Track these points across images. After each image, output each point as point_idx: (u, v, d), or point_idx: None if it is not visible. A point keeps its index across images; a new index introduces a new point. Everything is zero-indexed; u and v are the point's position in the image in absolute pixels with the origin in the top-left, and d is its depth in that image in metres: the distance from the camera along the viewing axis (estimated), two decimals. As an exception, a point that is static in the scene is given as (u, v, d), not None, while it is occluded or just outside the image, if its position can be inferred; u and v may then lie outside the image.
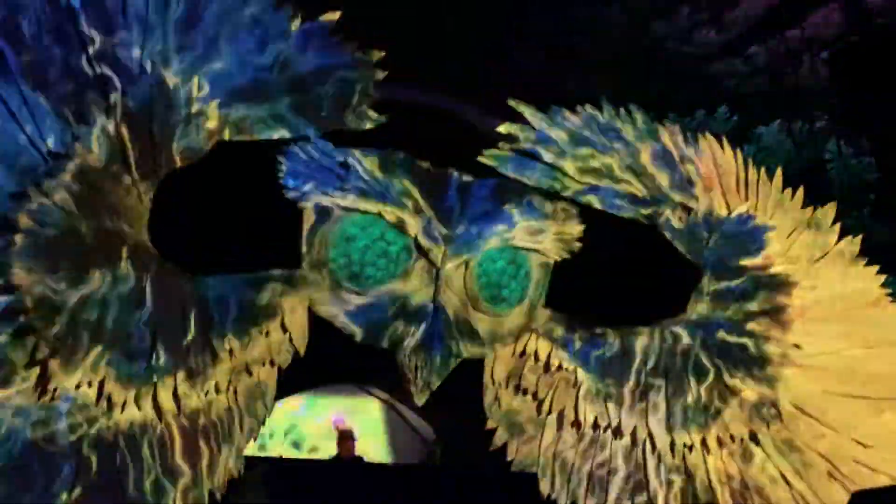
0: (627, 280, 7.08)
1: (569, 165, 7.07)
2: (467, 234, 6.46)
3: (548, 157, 6.99)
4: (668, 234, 7.34)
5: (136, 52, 5.53)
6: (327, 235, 6.21)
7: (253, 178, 6.03)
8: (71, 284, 5.11)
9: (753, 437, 7.10)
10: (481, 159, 6.81)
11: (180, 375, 5.42)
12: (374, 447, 8.99)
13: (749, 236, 7.43)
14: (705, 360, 7.13)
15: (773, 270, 7.50)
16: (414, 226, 6.31)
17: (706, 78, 16.67)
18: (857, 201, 13.35)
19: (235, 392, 5.72)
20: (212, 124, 5.78)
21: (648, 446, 6.83)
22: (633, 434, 6.81)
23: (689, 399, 6.97)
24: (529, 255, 6.80)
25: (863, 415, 7.38)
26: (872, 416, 7.42)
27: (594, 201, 7.14)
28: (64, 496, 4.97)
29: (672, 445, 6.86)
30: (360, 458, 7.23)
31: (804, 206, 7.94)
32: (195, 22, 5.70)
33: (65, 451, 5.03)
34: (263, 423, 5.83)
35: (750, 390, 7.13)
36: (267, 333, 5.83)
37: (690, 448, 6.90)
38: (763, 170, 7.91)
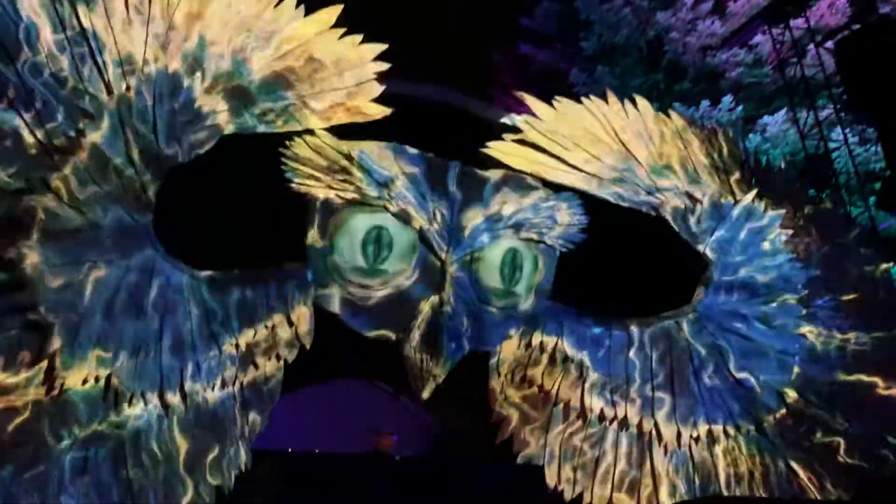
0: (633, 271, 7.08)
1: (574, 156, 7.09)
2: (472, 227, 6.49)
3: (553, 148, 7.02)
4: (673, 224, 7.35)
5: (140, 48, 5.53)
6: (332, 229, 6.22)
7: (258, 172, 6.03)
8: (78, 280, 5.13)
9: (760, 428, 7.12)
10: (486, 151, 6.83)
11: (186, 370, 5.45)
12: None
13: (756, 225, 7.47)
14: (711, 351, 7.14)
15: (780, 259, 7.52)
16: (419, 219, 6.33)
17: (711, 68, 16.64)
18: (862, 190, 13.32)
19: (242, 386, 5.74)
20: (216, 119, 5.80)
21: (655, 437, 6.84)
22: (640, 425, 6.82)
23: (695, 390, 7.00)
24: (534, 246, 6.82)
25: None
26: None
27: (599, 192, 7.17)
28: (71, 490, 5.00)
29: (678, 436, 6.88)
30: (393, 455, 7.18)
31: (810, 195, 7.97)
32: (199, 18, 5.71)
33: (73, 447, 5.05)
34: (270, 417, 5.84)
35: (756, 380, 7.15)
36: (273, 327, 5.85)
37: (697, 439, 6.92)
38: (768, 159, 7.95)
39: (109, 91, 5.44)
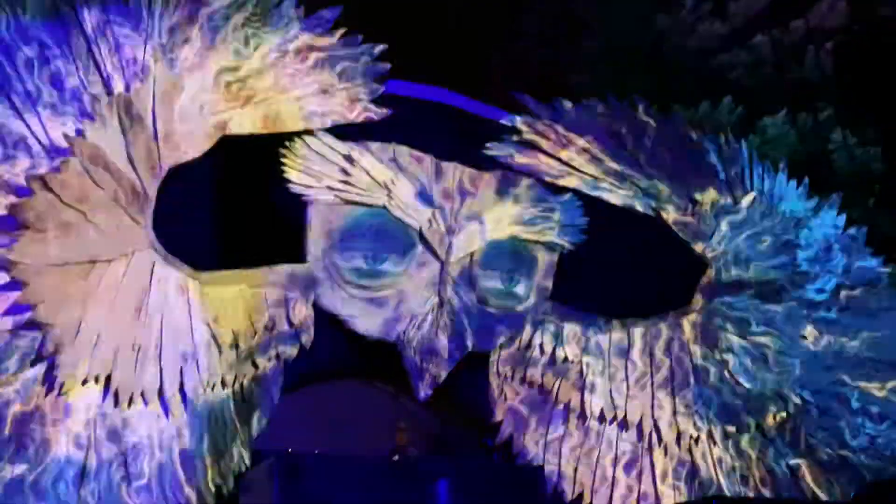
0: (633, 272, 7.08)
1: (573, 156, 7.10)
2: (472, 227, 6.49)
3: (552, 148, 7.03)
4: (673, 226, 7.35)
5: (140, 47, 5.55)
6: (332, 229, 6.22)
7: (258, 173, 6.04)
8: (77, 279, 5.13)
9: (760, 429, 7.12)
10: (486, 152, 6.84)
11: (186, 370, 5.45)
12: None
13: (756, 226, 7.47)
14: (712, 352, 7.14)
15: (780, 261, 7.52)
16: (419, 219, 6.33)
17: (710, 69, 16.62)
18: (862, 191, 13.30)
19: (242, 386, 5.74)
20: (216, 119, 5.80)
21: (654, 438, 6.84)
22: (639, 426, 6.82)
23: (695, 391, 6.99)
24: (534, 246, 6.81)
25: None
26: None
27: (599, 193, 7.17)
28: (72, 490, 5.01)
29: (678, 437, 6.87)
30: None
31: (810, 196, 7.96)
32: (199, 16, 5.73)
33: (73, 447, 5.06)
34: (270, 417, 5.85)
35: (756, 381, 7.14)
36: (272, 327, 5.85)
37: (696, 440, 6.92)
38: (768, 160, 7.96)
39: (109, 92, 5.45)
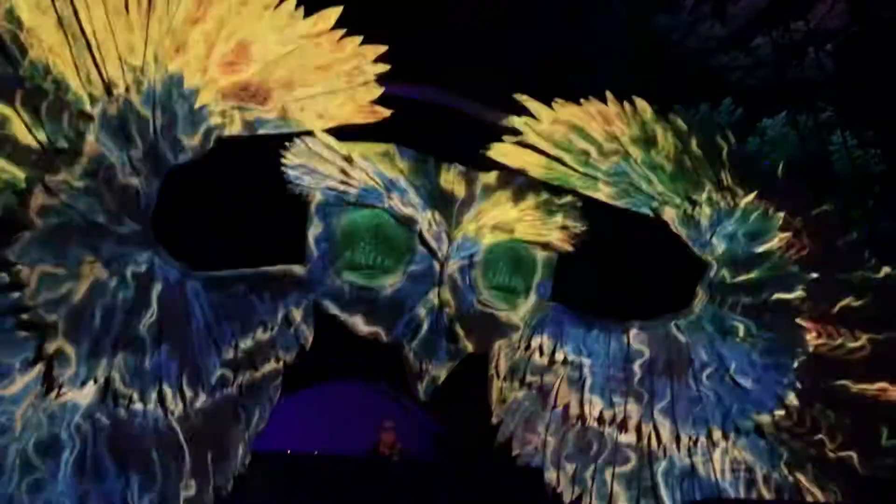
0: (633, 272, 7.08)
1: (573, 159, 7.09)
2: (472, 228, 6.47)
3: (552, 150, 7.02)
4: (673, 227, 7.35)
5: (140, 48, 5.54)
6: (332, 230, 6.22)
7: (257, 174, 6.04)
8: (76, 281, 5.13)
9: (759, 430, 7.12)
10: (486, 152, 6.83)
11: (185, 371, 5.45)
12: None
13: (756, 227, 7.47)
14: (711, 354, 7.14)
15: (780, 261, 7.52)
16: (419, 220, 6.33)
17: (710, 70, 16.61)
18: (862, 193, 13.31)
19: (241, 387, 5.74)
20: (216, 120, 5.80)
21: (654, 440, 6.83)
22: (639, 428, 6.82)
23: (695, 392, 6.99)
24: (533, 248, 6.81)
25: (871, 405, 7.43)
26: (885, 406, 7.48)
27: (598, 194, 7.17)
28: (72, 491, 5.00)
29: (677, 439, 6.87)
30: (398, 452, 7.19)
31: (809, 197, 7.97)
32: (199, 19, 5.72)
33: (72, 447, 5.06)
34: (269, 417, 5.84)
35: (755, 383, 7.14)
36: (272, 328, 5.85)
37: (696, 441, 6.92)
38: (768, 162, 7.97)
39: (109, 92, 5.44)
